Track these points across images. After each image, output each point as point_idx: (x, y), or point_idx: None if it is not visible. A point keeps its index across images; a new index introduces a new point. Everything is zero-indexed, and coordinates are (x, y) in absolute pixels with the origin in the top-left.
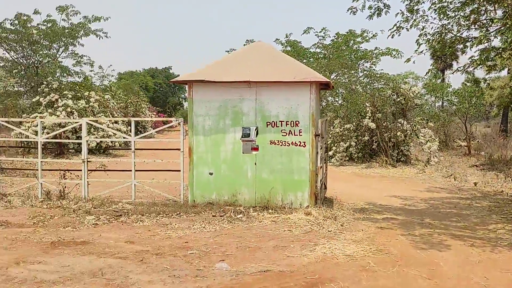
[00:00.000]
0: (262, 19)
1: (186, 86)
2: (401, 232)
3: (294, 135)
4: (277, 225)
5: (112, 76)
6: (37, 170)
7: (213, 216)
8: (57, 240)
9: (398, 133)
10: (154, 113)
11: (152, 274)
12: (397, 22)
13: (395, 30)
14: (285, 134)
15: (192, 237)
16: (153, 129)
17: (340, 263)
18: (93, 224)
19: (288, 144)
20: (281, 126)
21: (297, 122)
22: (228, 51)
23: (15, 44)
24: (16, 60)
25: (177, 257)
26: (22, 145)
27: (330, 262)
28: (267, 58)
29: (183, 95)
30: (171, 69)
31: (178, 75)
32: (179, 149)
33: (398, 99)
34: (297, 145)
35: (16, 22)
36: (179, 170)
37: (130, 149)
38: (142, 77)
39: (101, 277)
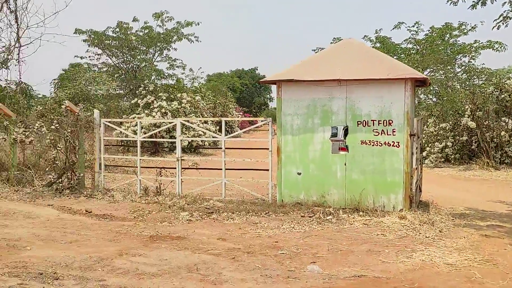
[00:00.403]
0: (348, 16)
1: (274, 86)
2: (509, 241)
3: (387, 134)
4: (370, 228)
5: (202, 78)
6: (136, 167)
7: (301, 216)
8: (155, 234)
9: (502, 133)
10: (241, 113)
11: (244, 272)
12: (504, 11)
13: (501, 21)
14: (377, 133)
15: (281, 237)
16: (240, 128)
17: (441, 272)
18: (187, 220)
19: (380, 144)
20: (373, 125)
21: (390, 121)
22: (315, 50)
23: (116, 50)
24: (117, 65)
25: (268, 257)
26: (122, 143)
27: (429, 271)
28: (358, 55)
29: (268, 95)
30: (257, 69)
31: (264, 76)
32: (267, 149)
33: (502, 96)
34: (390, 145)
35: (118, 30)
36: (267, 170)
37: (219, 148)
38: (229, 78)
39: (196, 273)
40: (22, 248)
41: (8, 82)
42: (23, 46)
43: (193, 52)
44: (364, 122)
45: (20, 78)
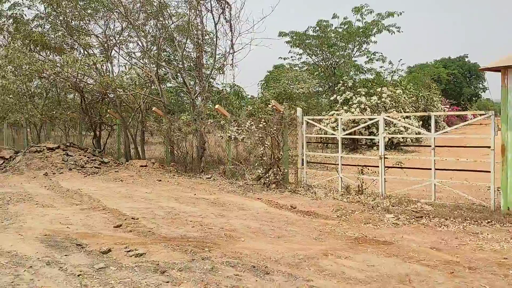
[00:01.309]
0: None
1: (490, 74)
2: None
3: None
4: None
5: (402, 70)
6: (336, 164)
7: None
8: (360, 236)
9: None
10: (447, 106)
11: None
12: None
13: None
14: None
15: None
16: (446, 123)
17: None
18: (393, 223)
19: None
20: None
21: None
22: None
23: (316, 49)
24: (316, 63)
25: (496, 276)
26: (321, 140)
27: None
28: None
29: (481, 85)
30: (467, 57)
31: (476, 64)
32: (486, 147)
33: None
34: None
35: (317, 28)
36: (489, 171)
37: (423, 145)
38: (434, 68)
39: (408, 285)
40: (237, 239)
41: (224, 85)
42: (236, 52)
43: (393, 43)
44: None
45: (234, 81)
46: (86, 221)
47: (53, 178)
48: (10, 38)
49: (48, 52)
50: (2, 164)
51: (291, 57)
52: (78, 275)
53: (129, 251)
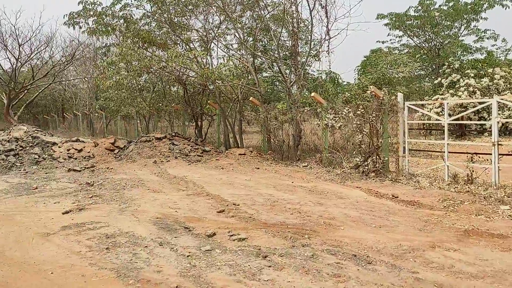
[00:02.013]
0: None
1: None
2: None
3: None
4: None
5: None
6: (441, 152)
7: None
8: (471, 228)
9: None
10: None
11: None
12: None
13: None
14: None
15: None
16: None
17: None
18: (509, 215)
19: None
20: None
21: None
22: None
23: (418, 30)
24: (418, 45)
25: None
26: (424, 126)
27: None
28: None
29: None
30: None
31: None
32: None
33: None
34: None
35: (419, 8)
36: None
37: None
38: None
39: None
40: (337, 227)
41: (319, 72)
42: (331, 38)
43: (508, 19)
44: None
45: (330, 67)
46: (192, 206)
47: (161, 165)
48: (121, 37)
49: (154, 48)
50: (117, 152)
51: (390, 40)
52: (187, 256)
53: (232, 235)
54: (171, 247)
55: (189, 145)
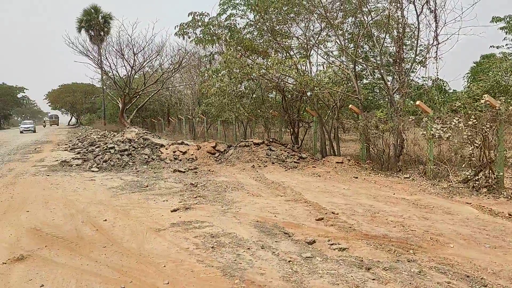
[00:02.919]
0: None
1: None
2: None
3: None
4: None
5: None
6: None
7: None
8: None
9: None
10: None
11: None
12: None
13: None
14: None
15: None
16: None
17: None
18: None
19: None
20: None
21: None
22: None
23: None
24: None
25: None
26: None
27: None
28: None
29: None
30: None
31: None
32: None
33: None
34: None
35: None
36: None
37: None
38: None
39: None
40: (445, 245)
41: (424, 79)
42: (440, 43)
43: None
44: None
45: (437, 75)
46: (290, 212)
47: (259, 170)
48: (225, 46)
49: (255, 56)
50: (218, 156)
51: (506, 45)
52: (289, 261)
53: (332, 244)
54: (273, 251)
55: (285, 151)
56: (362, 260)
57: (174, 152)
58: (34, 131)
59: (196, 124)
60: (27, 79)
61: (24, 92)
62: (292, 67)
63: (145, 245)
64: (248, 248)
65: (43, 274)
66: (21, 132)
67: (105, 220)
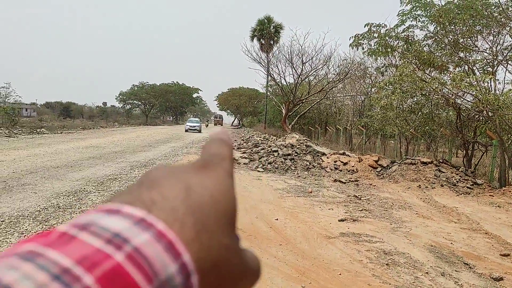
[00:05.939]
0: None
1: None
2: None
3: None
4: None
5: None
6: None
7: None
8: None
9: None
10: None
11: None
12: None
13: None
14: None
15: None
16: None
17: None
18: None
19: None
20: None
21: None
22: None
23: None
24: None
25: None
26: None
27: None
28: None
29: None
30: None
31: None
32: None
33: None
34: None
35: None
36: None
37: None
38: None
39: None
40: None
41: None
42: None
43: None
44: None
45: None
46: (468, 242)
47: (426, 191)
48: (400, 58)
49: (431, 70)
50: (380, 171)
51: None
52: None
53: None
54: (455, 280)
55: (457, 174)
56: None
57: (335, 161)
58: (200, 131)
59: (353, 136)
60: (200, 81)
61: (198, 93)
62: (475, 84)
63: (317, 250)
64: (427, 273)
65: None
66: (186, 130)
67: (277, 219)
